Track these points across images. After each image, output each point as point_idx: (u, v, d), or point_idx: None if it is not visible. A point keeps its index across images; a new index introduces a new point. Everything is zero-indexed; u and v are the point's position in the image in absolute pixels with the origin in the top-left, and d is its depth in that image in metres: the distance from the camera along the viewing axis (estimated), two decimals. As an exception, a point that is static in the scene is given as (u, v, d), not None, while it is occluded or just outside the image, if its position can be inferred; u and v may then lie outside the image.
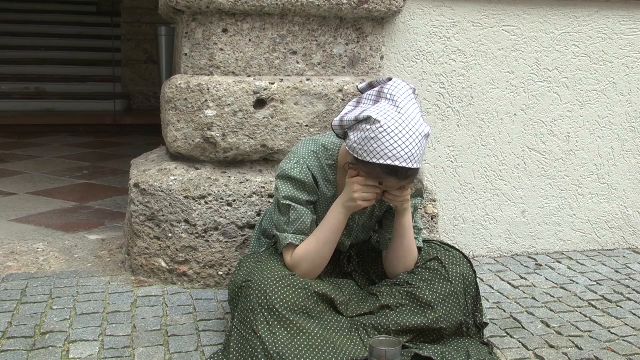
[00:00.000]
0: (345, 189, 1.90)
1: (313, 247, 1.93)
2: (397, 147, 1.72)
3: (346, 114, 1.85)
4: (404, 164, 1.74)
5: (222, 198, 2.46)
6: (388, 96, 1.77)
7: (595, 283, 2.70)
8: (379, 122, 1.73)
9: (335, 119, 1.87)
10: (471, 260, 2.24)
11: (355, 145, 1.79)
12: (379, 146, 1.74)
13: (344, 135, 1.88)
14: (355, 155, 1.79)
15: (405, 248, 2.00)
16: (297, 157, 1.97)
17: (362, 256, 2.16)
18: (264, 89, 2.49)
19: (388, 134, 1.73)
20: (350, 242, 2.09)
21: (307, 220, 1.95)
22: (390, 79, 1.82)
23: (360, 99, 1.87)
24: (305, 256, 1.93)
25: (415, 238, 2.04)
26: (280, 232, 1.96)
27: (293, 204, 1.93)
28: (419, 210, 2.33)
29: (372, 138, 1.74)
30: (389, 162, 1.73)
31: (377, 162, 1.75)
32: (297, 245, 1.94)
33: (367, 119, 1.75)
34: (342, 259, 2.11)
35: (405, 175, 1.78)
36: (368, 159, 1.76)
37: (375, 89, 1.83)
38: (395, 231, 2.00)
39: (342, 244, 2.05)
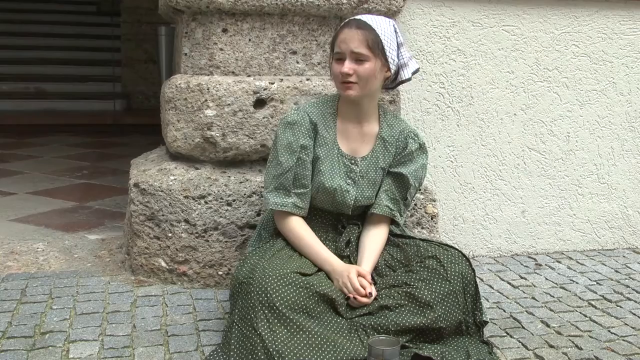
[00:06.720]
0: (341, 280, 1.98)
1: (296, 242, 2.08)
2: None
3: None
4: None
5: (222, 198, 2.46)
6: None
7: (595, 283, 2.70)
8: None
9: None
10: (471, 260, 2.24)
11: None
12: None
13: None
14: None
15: None
16: (297, 107, 2.19)
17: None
18: (264, 89, 2.49)
19: None
20: (354, 196, 2.13)
21: (305, 175, 2.09)
22: None
23: None
24: (289, 235, 2.10)
25: (399, 213, 2.17)
26: (267, 192, 2.10)
27: (286, 156, 2.07)
28: (417, 189, 2.26)
29: None
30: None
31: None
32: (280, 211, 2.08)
33: None
34: (340, 241, 2.13)
35: (358, 26, 2.00)
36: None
37: None
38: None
39: (346, 195, 2.12)
